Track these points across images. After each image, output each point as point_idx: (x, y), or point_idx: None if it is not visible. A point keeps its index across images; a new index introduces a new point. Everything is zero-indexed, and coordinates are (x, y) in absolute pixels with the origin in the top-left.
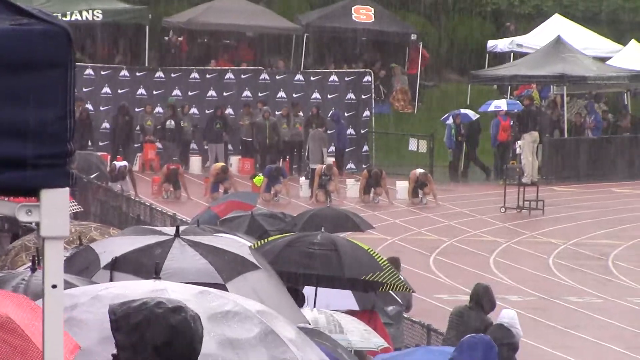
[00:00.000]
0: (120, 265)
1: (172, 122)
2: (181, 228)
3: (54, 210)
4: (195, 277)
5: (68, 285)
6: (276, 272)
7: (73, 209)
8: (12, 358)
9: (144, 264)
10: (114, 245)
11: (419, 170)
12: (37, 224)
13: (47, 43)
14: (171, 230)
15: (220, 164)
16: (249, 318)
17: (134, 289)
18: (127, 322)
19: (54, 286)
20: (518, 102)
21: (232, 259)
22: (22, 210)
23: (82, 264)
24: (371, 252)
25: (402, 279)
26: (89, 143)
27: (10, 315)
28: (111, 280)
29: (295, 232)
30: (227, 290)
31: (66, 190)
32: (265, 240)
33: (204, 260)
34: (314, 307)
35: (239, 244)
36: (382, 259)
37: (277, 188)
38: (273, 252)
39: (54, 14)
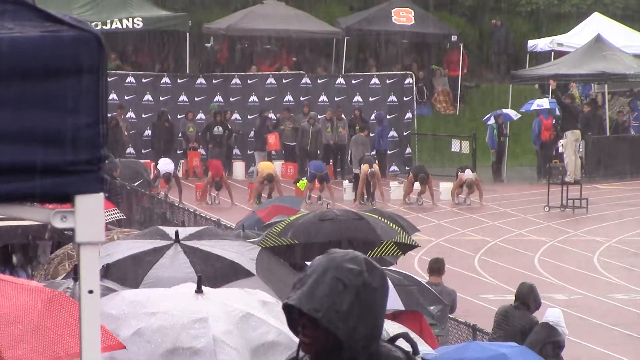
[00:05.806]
0: (112, 273)
1: (220, 129)
2: (182, 234)
3: (89, 215)
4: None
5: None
6: (318, 243)
7: (116, 217)
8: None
9: (128, 274)
10: (116, 248)
11: (468, 175)
12: (73, 230)
13: (78, 49)
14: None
15: (267, 169)
16: (289, 348)
17: (176, 315)
18: None
19: (91, 291)
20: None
21: (223, 266)
22: (57, 216)
23: None
24: (379, 219)
25: (412, 238)
26: (123, 151)
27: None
28: None
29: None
30: None
31: (101, 195)
32: (288, 220)
33: (190, 269)
34: None
35: (246, 248)
36: (388, 222)
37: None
38: (311, 226)
39: (94, 23)
